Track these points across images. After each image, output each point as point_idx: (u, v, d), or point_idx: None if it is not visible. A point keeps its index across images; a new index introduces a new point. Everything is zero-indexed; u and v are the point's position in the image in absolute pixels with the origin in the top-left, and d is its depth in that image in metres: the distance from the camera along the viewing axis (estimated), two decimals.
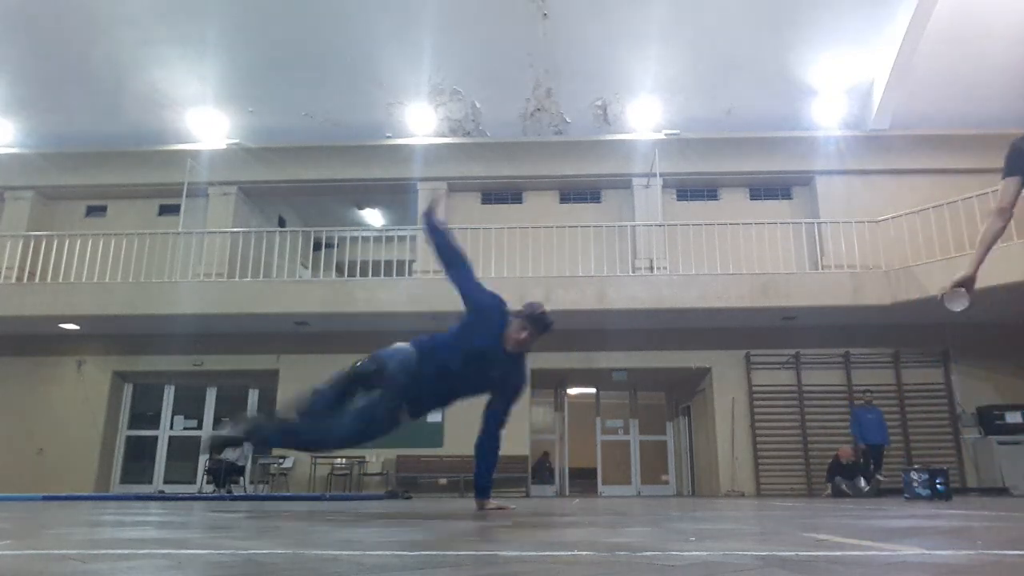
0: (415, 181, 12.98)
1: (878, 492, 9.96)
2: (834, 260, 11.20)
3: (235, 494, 10.94)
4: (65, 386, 12.24)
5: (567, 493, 12.62)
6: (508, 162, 12.94)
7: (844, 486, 10.15)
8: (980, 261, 3.28)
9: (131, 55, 11.85)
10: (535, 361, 11.72)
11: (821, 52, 11.67)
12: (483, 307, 3.89)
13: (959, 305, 3.38)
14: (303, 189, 13.64)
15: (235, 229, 12.50)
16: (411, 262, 12.58)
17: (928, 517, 3.08)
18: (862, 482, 10.30)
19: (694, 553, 1.53)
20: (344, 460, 11.72)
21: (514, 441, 10.48)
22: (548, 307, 3.94)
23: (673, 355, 11.99)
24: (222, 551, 1.63)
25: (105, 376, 12.41)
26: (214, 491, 11.44)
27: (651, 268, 11.88)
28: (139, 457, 12.91)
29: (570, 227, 11.90)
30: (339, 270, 13.01)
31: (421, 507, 4.50)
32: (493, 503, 4.19)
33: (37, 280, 11.85)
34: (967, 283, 3.33)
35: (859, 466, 10.41)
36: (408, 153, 12.85)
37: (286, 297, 11.11)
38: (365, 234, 12.99)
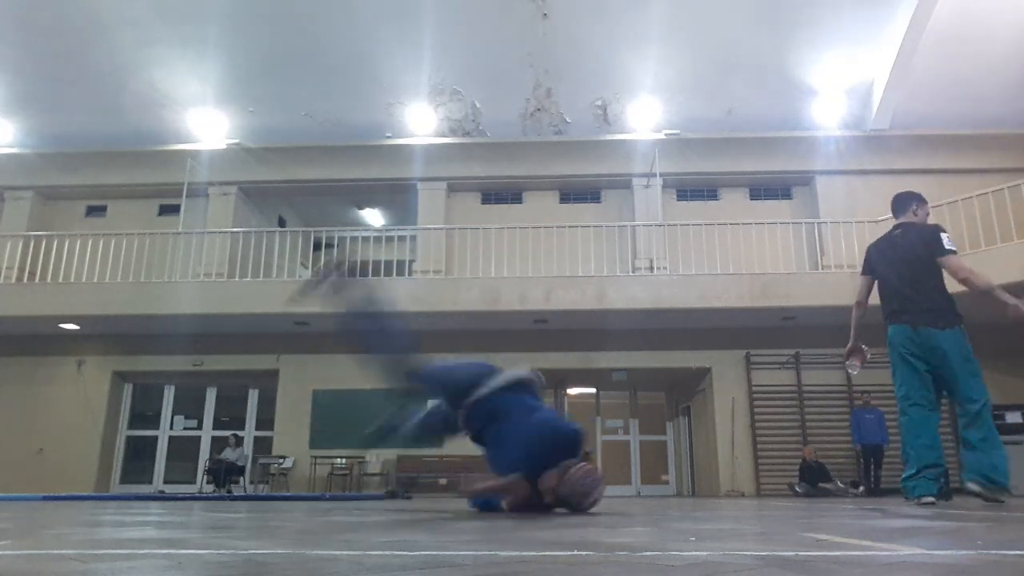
0: (415, 181, 12.99)
1: (879, 492, 9.95)
2: (834, 260, 11.19)
3: (235, 494, 10.95)
4: (65, 386, 12.24)
5: None
6: (508, 162, 12.95)
7: (799, 488, 10.33)
8: (857, 335, 4.86)
9: (131, 55, 11.85)
10: (535, 361, 11.85)
11: (821, 52, 11.67)
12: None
13: (854, 370, 4.95)
14: (303, 189, 13.64)
15: (235, 229, 12.50)
16: (411, 262, 12.57)
17: (928, 517, 3.08)
18: (838, 483, 10.37)
19: (694, 553, 1.53)
20: (344, 460, 11.72)
21: None
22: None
23: (673, 355, 12.00)
24: (222, 551, 1.63)
25: (105, 376, 12.41)
26: (214, 491, 11.45)
27: (651, 268, 11.88)
28: (139, 457, 12.92)
29: (570, 227, 11.90)
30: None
31: (421, 507, 4.50)
32: None
33: (37, 280, 11.86)
34: (855, 352, 4.84)
35: (824, 468, 10.59)
36: (408, 153, 12.85)
37: (286, 297, 11.09)
38: (365, 234, 13.00)
